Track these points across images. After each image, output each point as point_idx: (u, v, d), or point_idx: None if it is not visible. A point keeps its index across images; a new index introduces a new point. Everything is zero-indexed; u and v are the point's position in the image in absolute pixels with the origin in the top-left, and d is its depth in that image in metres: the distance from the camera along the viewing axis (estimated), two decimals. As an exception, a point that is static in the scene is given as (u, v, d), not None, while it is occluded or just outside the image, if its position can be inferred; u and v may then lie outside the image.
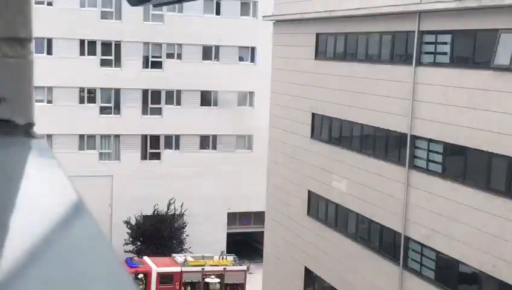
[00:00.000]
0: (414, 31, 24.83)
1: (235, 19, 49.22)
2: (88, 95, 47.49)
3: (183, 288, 39.61)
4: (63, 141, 45.38)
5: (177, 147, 49.19)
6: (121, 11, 46.80)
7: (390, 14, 26.17)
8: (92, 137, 47.44)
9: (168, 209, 46.87)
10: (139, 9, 44.47)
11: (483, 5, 21.55)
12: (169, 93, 48.73)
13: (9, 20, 1.46)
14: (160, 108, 48.72)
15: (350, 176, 28.56)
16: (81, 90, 47.22)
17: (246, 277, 40.99)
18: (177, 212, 47.14)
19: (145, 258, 40.79)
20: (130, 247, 45.27)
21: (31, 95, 1.52)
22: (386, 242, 26.78)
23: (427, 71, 24.36)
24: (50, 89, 45.80)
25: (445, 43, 23.95)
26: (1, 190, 1.16)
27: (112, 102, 47.96)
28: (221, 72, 48.69)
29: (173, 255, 41.94)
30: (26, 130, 1.48)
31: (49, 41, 45.58)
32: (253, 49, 49.73)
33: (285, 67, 33.91)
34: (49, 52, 45.74)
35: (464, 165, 22.66)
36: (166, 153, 48.98)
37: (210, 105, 49.65)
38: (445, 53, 23.95)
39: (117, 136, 47.99)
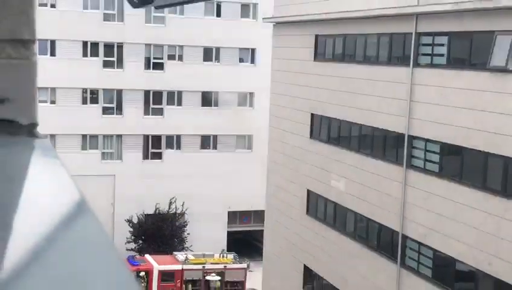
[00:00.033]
0: (411, 33, 24.83)
1: (235, 20, 49.22)
2: (91, 96, 47.48)
3: (184, 286, 39.60)
4: (66, 140, 45.37)
5: (178, 147, 49.19)
6: (123, 13, 46.79)
7: (388, 16, 26.17)
8: (94, 137, 47.44)
9: (169, 208, 46.88)
10: (141, 11, 44.47)
11: (479, 7, 21.55)
12: (171, 94, 48.72)
13: (13, 22, 1.46)
14: (162, 108, 48.71)
15: (348, 175, 28.56)
16: (84, 91, 47.21)
17: (246, 274, 40.99)
18: (178, 211, 47.14)
19: (147, 256, 40.79)
20: (132, 245, 45.27)
21: (34, 96, 1.52)
22: (384, 241, 26.78)
23: (424, 72, 24.36)
24: (53, 89, 45.80)
25: (442, 45, 23.95)
26: (5, 189, 1.16)
27: (114, 102, 47.95)
28: (222, 73, 48.69)
29: (174, 253, 41.92)
30: (30, 130, 1.48)
31: (53, 43, 45.57)
32: (253, 50, 49.72)
33: (284, 68, 33.91)
34: (53, 54, 45.74)
35: (461, 164, 22.66)
36: (167, 153, 48.97)
37: (211, 105, 49.64)
38: (442, 54, 23.96)
39: (119, 136, 47.98)
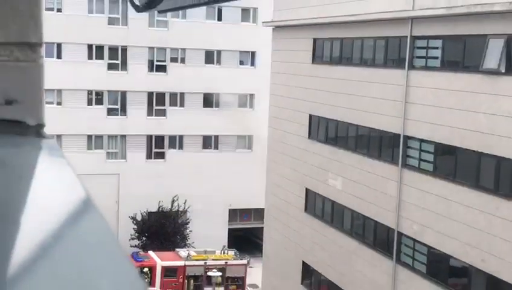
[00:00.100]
0: (407, 36, 24.82)
1: (236, 24, 49.21)
2: (96, 97, 47.46)
3: (186, 281, 39.61)
4: (72, 141, 45.36)
5: (181, 147, 49.18)
6: (127, 17, 46.78)
7: (384, 20, 26.16)
8: (99, 137, 47.42)
9: (172, 206, 46.88)
10: (145, 15, 44.47)
11: (472, 12, 21.54)
12: (173, 96, 48.71)
13: (21, 26, 1.46)
14: (165, 110, 48.70)
15: (346, 174, 28.55)
16: (89, 92, 47.19)
17: (246, 270, 41.00)
18: (181, 209, 47.14)
19: (150, 252, 40.78)
20: (136, 242, 45.26)
21: (41, 97, 1.51)
22: (380, 237, 26.77)
23: (419, 74, 24.36)
24: (60, 91, 45.78)
25: (436, 48, 23.95)
26: (14, 187, 1.16)
27: (118, 104, 47.94)
28: (223, 76, 48.67)
29: (177, 249, 41.93)
30: (37, 130, 1.48)
31: (59, 46, 45.56)
32: (253, 53, 49.71)
33: (283, 70, 33.91)
34: (59, 57, 45.72)
35: (454, 164, 22.65)
36: (170, 153, 48.97)
37: (212, 107, 49.62)
38: (436, 57, 23.95)
39: (123, 137, 47.97)
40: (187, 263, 39.30)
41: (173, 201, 46.90)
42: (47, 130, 1.51)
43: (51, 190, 1.18)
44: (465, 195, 21.71)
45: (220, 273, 39.46)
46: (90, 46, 46.58)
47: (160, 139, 48.80)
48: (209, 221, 47.70)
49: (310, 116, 31.51)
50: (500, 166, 20.59)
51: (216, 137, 49.62)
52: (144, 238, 45.65)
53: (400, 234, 25.24)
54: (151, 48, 47.91)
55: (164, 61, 48.50)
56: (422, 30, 24.27)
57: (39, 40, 1.49)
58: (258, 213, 45.46)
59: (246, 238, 49.89)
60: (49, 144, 1.44)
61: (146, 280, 37.96)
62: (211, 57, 49.20)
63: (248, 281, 41.29)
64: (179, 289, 39.46)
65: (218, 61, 49.43)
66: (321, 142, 30.71)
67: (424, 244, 23.97)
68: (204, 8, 47.47)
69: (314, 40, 31.50)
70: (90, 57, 46.75)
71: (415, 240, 24.50)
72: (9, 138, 1.45)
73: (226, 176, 48.48)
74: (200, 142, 49.46)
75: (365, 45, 28.00)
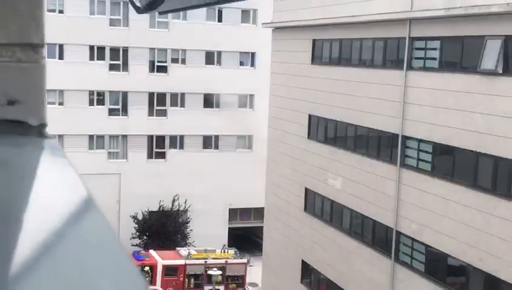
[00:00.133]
0: (405, 37, 24.82)
1: (236, 26, 49.22)
2: (97, 98, 47.47)
3: (187, 280, 39.61)
4: (74, 141, 45.36)
5: (181, 147, 49.19)
6: (128, 18, 46.79)
7: (383, 22, 26.16)
8: (101, 137, 47.43)
9: (172, 205, 46.89)
10: (146, 16, 44.46)
11: (470, 13, 21.55)
12: (174, 96, 48.72)
13: (23, 27, 1.46)
14: (166, 110, 48.71)
15: (345, 174, 28.55)
16: (91, 93, 47.20)
17: (246, 269, 41.00)
18: (181, 209, 47.15)
19: (151, 251, 40.79)
20: (137, 241, 45.27)
21: (43, 98, 1.51)
22: (378, 237, 26.77)
23: (417, 75, 24.35)
24: (61, 92, 45.79)
25: (435, 49, 23.95)
26: (16, 187, 1.16)
27: (119, 104, 47.94)
28: (223, 76, 48.68)
29: (177, 248, 41.93)
30: (39, 130, 1.48)
31: (61, 47, 45.57)
32: (253, 54, 49.72)
33: (283, 71, 33.90)
34: (61, 57, 45.73)
35: (452, 163, 22.65)
36: (171, 153, 48.97)
37: (212, 107, 49.63)
38: (435, 58, 23.95)
39: (125, 137, 47.98)
40: (187, 261, 39.30)
41: (174, 200, 46.91)
42: (49, 130, 1.51)
43: (53, 189, 1.18)
44: (463, 194, 21.71)
45: (220, 272, 39.46)
46: (91, 47, 46.59)
47: (161, 139, 48.81)
48: (209, 220, 47.71)
49: (310, 116, 31.50)
50: (498, 166, 20.59)
51: (216, 137, 49.63)
52: (145, 238, 45.66)
53: (399, 233, 25.24)
54: (152, 49, 47.92)
55: (165, 62, 48.51)
56: (420, 31, 24.27)
57: (41, 41, 1.49)
58: (258, 212, 45.46)
59: (246, 237, 49.89)
60: (51, 144, 1.44)
61: (147, 279, 37.95)
62: (211, 57, 49.21)
63: (248, 279, 41.29)
64: (180, 288, 39.46)
65: (219, 62, 49.44)
66: (320, 142, 30.71)
67: (423, 244, 23.97)
68: (204, 9, 47.45)
69: (314, 41, 31.50)
70: (91, 58, 46.76)
71: (413, 239, 24.49)
72: (12, 138, 1.45)
73: (226, 175, 48.48)
74: (201, 142, 49.47)
75: (364, 46, 27.99)
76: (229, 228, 49.87)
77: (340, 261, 28.76)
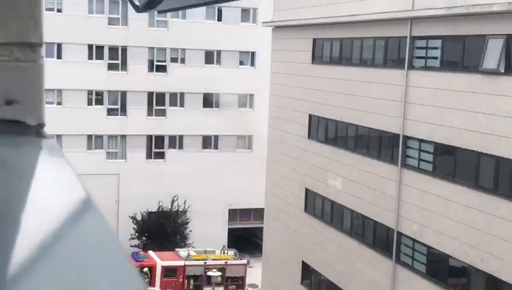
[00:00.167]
0: (406, 37, 24.82)
1: (235, 25, 49.21)
2: (96, 97, 47.47)
3: (186, 281, 39.61)
4: (72, 141, 45.36)
5: (181, 147, 49.18)
6: (127, 17, 46.78)
7: (384, 21, 26.16)
8: (99, 137, 47.43)
9: (171, 206, 46.88)
10: (145, 15, 44.45)
11: (471, 12, 21.55)
12: (173, 96, 48.72)
13: (22, 26, 1.46)
14: (165, 110, 48.70)
15: (345, 174, 28.55)
16: (89, 92, 47.20)
17: (246, 270, 41.00)
18: (181, 209, 47.14)
19: (150, 252, 40.79)
20: (136, 242, 45.26)
21: (41, 97, 1.51)
22: (379, 237, 26.77)
23: (418, 75, 24.36)
24: (60, 91, 45.78)
25: (436, 48, 23.95)
26: (14, 187, 1.16)
27: (118, 104, 47.94)
28: (223, 76, 48.68)
29: (177, 249, 41.93)
30: (37, 130, 1.48)
31: (59, 46, 45.56)
32: (253, 53, 49.72)
33: (283, 71, 33.91)
34: (59, 57, 45.72)
35: (454, 164, 22.66)
36: (170, 153, 48.97)
37: (212, 107, 49.63)
38: (436, 57, 23.95)
39: (123, 137, 47.97)
40: (187, 262, 39.30)
41: (173, 201, 46.90)
42: (47, 130, 1.51)
43: (51, 189, 1.18)
44: (465, 195, 21.71)
45: (219, 273, 39.46)
46: (90, 46, 46.58)
47: (160, 139, 48.80)
48: (209, 221, 47.70)
49: (310, 116, 31.51)
50: (500, 166, 20.59)
51: (216, 137, 49.62)
52: (144, 238, 45.65)
53: (400, 234, 25.24)
54: (151, 48, 47.92)
55: (164, 61, 48.50)
56: (421, 30, 24.27)
57: (39, 40, 1.49)
58: (258, 213, 45.45)
59: (245, 238, 49.89)
60: (49, 144, 1.44)
61: (146, 280, 37.94)
62: (210, 57, 49.20)
63: (248, 281, 41.29)
64: (179, 289, 39.46)
65: (218, 62, 49.44)
66: (321, 142, 30.71)
67: (424, 244, 23.97)
68: (204, 8, 47.45)
69: (314, 40, 31.50)
70: (90, 57, 46.76)
71: (414, 240, 24.49)
72: (10, 138, 1.45)
73: (225, 176, 48.49)
74: (200, 142, 49.46)
75: (365, 45, 27.99)
76: (228, 229, 49.86)
77: (341, 262, 28.76)
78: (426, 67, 24.16)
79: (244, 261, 41.20)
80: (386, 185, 25.84)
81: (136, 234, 45.70)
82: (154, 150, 48.76)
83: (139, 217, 46.14)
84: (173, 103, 48.76)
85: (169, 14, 45.66)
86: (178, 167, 47.88)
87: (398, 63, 25.61)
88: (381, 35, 26.71)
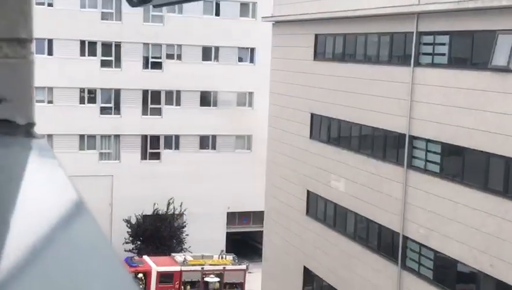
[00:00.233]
0: (412, 32, 24.84)
1: (234, 19, 49.23)
2: (88, 96, 47.48)
3: (182, 287, 39.61)
4: (64, 141, 45.36)
5: (177, 147, 49.20)
6: (121, 12, 46.81)
7: (389, 15, 26.17)
8: (92, 137, 47.44)
9: (167, 208, 46.88)
10: (139, 10, 44.45)
11: (481, 6, 21.56)
12: (169, 94, 48.73)
13: (10, 21, 1.46)
14: (160, 108, 48.72)
15: (349, 176, 28.56)
16: (82, 90, 47.22)
17: (245, 276, 41.00)
18: (177, 212, 47.15)
19: (145, 257, 40.79)
20: (130, 246, 45.27)
21: (31, 96, 1.51)
22: (384, 242, 26.78)
23: (425, 72, 24.37)
24: (51, 89, 45.80)
25: (444, 44, 23.96)
26: (3, 189, 1.16)
27: (112, 102, 47.96)
28: (221, 73, 48.70)
29: (173, 254, 41.94)
30: (27, 130, 1.48)
31: (50, 42, 45.58)
32: (252, 50, 49.74)
33: (284, 68, 33.92)
34: (50, 53, 45.74)
35: (462, 165, 22.67)
36: (166, 153, 48.98)
37: (209, 105, 49.65)
38: (443, 54, 23.97)
39: (117, 136, 47.99)
40: (183, 268, 39.31)
41: (169, 203, 46.90)
42: (37, 129, 1.51)
43: (42, 192, 1.18)
44: (473, 197, 21.72)
45: (217, 279, 39.46)
46: (82, 42, 46.60)
47: (155, 139, 48.82)
48: (206, 224, 47.71)
49: (312, 115, 31.52)
50: (510, 167, 20.61)
51: (214, 137, 49.64)
52: (139, 243, 45.66)
53: (405, 238, 25.25)
54: (146, 44, 47.93)
55: (159, 57, 48.52)
56: (428, 25, 24.28)
57: (29, 36, 1.49)
58: (258, 216, 45.45)
59: (244, 242, 49.90)
60: (39, 144, 1.44)
61: (141, 286, 37.94)
62: (208, 53, 49.22)
63: (247, 287, 41.28)
64: (175, 296, 39.46)
65: (216, 58, 49.45)
66: (323, 143, 30.72)
67: (431, 249, 23.98)
68: (201, 2, 47.49)
69: (316, 36, 31.51)
70: (82, 54, 46.77)
71: (421, 245, 24.50)
72: (-2, 137, 1.45)
73: (224, 177, 48.50)
74: (197, 143, 49.48)
75: (369, 41, 28.01)
76: (227, 233, 49.88)
77: (344, 267, 28.77)
78: (433, 64, 24.17)
79: (243, 267, 41.21)
80: (391, 187, 25.85)
81: (130, 238, 45.71)
82: (149, 150, 48.77)
83: (133, 221, 46.15)
84: (169, 102, 48.77)
85: (165, 8, 45.69)
86: (174, 168, 47.89)
87: (404, 60, 25.62)
88: (387, 31, 26.72)
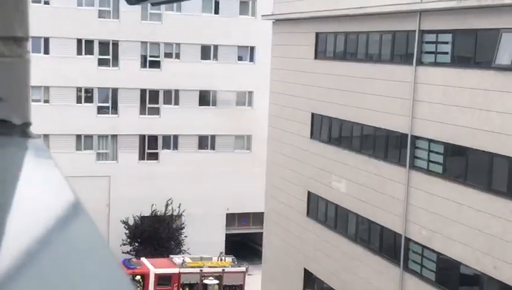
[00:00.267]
0: (415, 30, 24.84)
1: (234, 18, 49.23)
2: (85, 95, 47.48)
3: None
4: (60, 141, 45.36)
5: (175, 147, 49.20)
6: (119, 10, 46.81)
7: (391, 13, 26.17)
8: (89, 137, 47.43)
9: (165, 210, 46.86)
10: (137, 8, 44.46)
11: (484, 4, 21.55)
12: (168, 93, 48.73)
13: (6, 19, 1.46)
14: (158, 108, 48.72)
15: (350, 176, 28.56)
16: (79, 89, 47.21)
17: (244, 278, 40.99)
18: (175, 213, 47.14)
19: (143, 259, 40.78)
20: (128, 248, 45.26)
21: (27, 95, 1.52)
22: (386, 243, 26.78)
23: (427, 71, 24.37)
24: (47, 88, 45.79)
25: (446, 43, 23.96)
26: (-3, 190, 1.16)
27: (109, 102, 47.95)
28: (220, 72, 48.69)
29: (171, 256, 41.92)
30: (23, 130, 1.48)
31: (46, 40, 45.57)
32: (252, 48, 49.74)
33: (284, 66, 33.92)
34: (46, 52, 45.74)
35: (465, 165, 22.66)
36: (164, 154, 48.98)
37: (208, 105, 49.65)
38: (446, 53, 23.96)
39: (114, 136, 47.98)
40: (182, 270, 39.30)
41: (167, 205, 46.90)
42: (33, 129, 1.51)
43: (38, 192, 1.18)
44: (477, 198, 21.72)
45: (216, 282, 39.46)
46: (79, 41, 46.59)
47: (153, 139, 48.81)
48: (205, 226, 47.71)
49: (312, 114, 31.51)
50: (514, 168, 20.60)
51: (213, 137, 49.63)
52: (136, 244, 45.65)
53: (408, 240, 25.25)
54: (143, 43, 47.93)
55: (158, 56, 48.51)
56: (431, 24, 24.28)
57: (25, 34, 1.49)
58: (257, 217, 45.45)
59: (244, 244, 49.90)
60: (35, 144, 1.44)
61: (138, 289, 37.94)
62: (207, 52, 49.21)
63: (246, 289, 41.28)
64: (174, 298, 39.46)
65: (215, 57, 49.44)
66: (324, 143, 30.72)
67: (433, 251, 23.98)
68: (200, 0, 47.48)
69: (317, 34, 31.51)
70: (79, 52, 46.76)
71: (423, 246, 24.50)
72: (-6, 137, 1.45)
73: (223, 178, 48.49)
74: (196, 143, 49.47)
75: (371, 40, 28.00)
76: (226, 234, 49.87)
77: (345, 269, 28.77)
78: (436, 63, 24.17)
79: (243, 269, 41.21)
80: (393, 188, 25.85)
81: (128, 240, 45.71)
82: (147, 150, 48.77)
83: (131, 222, 46.15)
84: (167, 101, 48.76)
85: (163, 6, 45.69)
86: (172, 169, 47.88)
87: (406, 59, 25.62)
88: (389, 29, 26.72)
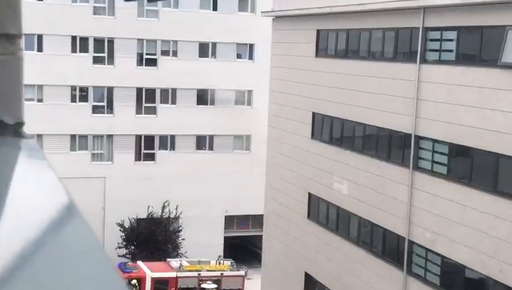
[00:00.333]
0: (418, 28, 24.84)
1: (232, 14, 49.23)
2: (80, 94, 47.46)
3: (178, 294, 39.61)
4: (54, 141, 45.35)
5: (173, 148, 49.19)
6: (114, 6, 46.79)
7: (394, 10, 26.18)
8: (84, 137, 47.42)
9: (162, 212, 46.84)
10: (133, 4, 44.46)
11: (490, 1, 21.56)
12: (164, 92, 48.72)
13: (-2, 16, 1.46)
14: (155, 107, 48.71)
15: (352, 177, 28.57)
16: (73, 88, 47.20)
17: (243, 282, 40.99)
18: (172, 215, 47.13)
19: (139, 263, 40.78)
20: (124, 251, 45.26)
21: (20, 94, 1.52)
22: (389, 246, 26.79)
23: (431, 69, 24.37)
24: (40, 87, 45.78)
25: (451, 40, 23.97)
26: (-10, 191, 1.16)
27: (104, 101, 47.94)
28: (218, 70, 48.69)
29: (168, 259, 41.92)
30: (16, 129, 1.48)
31: (40, 37, 45.56)
32: (251, 46, 49.74)
33: (284, 64, 33.92)
34: (40, 49, 45.72)
35: (470, 166, 22.67)
36: (161, 154, 48.97)
37: (206, 104, 49.64)
38: (451, 50, 23.97)
39: (110, 137, 47.97)
40: (179, 274, 39.29)
41: (164, 207, 46.88)
42: (26, 129, 1.52)
43: (31, 194, 1.18)
44: (482, 200, 21.72)
45: (215, 286, 39.45)
46: (73, 38, 46.57)
47: (150, 140, 48.80)
48: (203, 228, 47.70)
49: (313, 114, 31.52)
50: (520, 168, 20.62)
51: (211, 137, 49.63)
52: (133, 247, 45.63)
53: (411, 243, 25.26)
54: (140, 40, 47.92)
55: (154, 54, 48.50)
56: (435, 21, 24.29)
57: (18, 32, 1.49)
58: (257, 220, 45.45)
59: (243, 247, 49.89)
60: (28, 144, 1.44)
61: (134, 293, 37.93)
62: (205, 49, 49.20)
63: (246, 293, 41.29)
64: (171, 303, 39.46)
65: (213, 55, 49.44)
66: (325, 143, 30.72)
67: (437, 254, 23.99)
68: (198, -4, 47.51)
69: (318, 31, 31.51)
70: (73, 50, 46.74)
71: (427, 249, 24.51)
72: (-14, 137, 1.45)
73: (221, 179, 48.49)
74: (194, 143, 49.46)
75: (373, 37, 28.01)
76: (224, 237, 49.87)
77: (347, 273, 28.77)
78: (440, 61, 24.18)
79: (242, 273, 41.20)
80: (396, 190, 25.85)
81: (124, 243, 45.69)
82: (143, 151, 48.75)
83: (127, 224, 46.13)
84: (164, 100, 48.76)
85: (160, 3, 45.69)
86: (169, 170, 47.87)
87: (409, 57, 25.63)
88: (392, 26, 26.73)
